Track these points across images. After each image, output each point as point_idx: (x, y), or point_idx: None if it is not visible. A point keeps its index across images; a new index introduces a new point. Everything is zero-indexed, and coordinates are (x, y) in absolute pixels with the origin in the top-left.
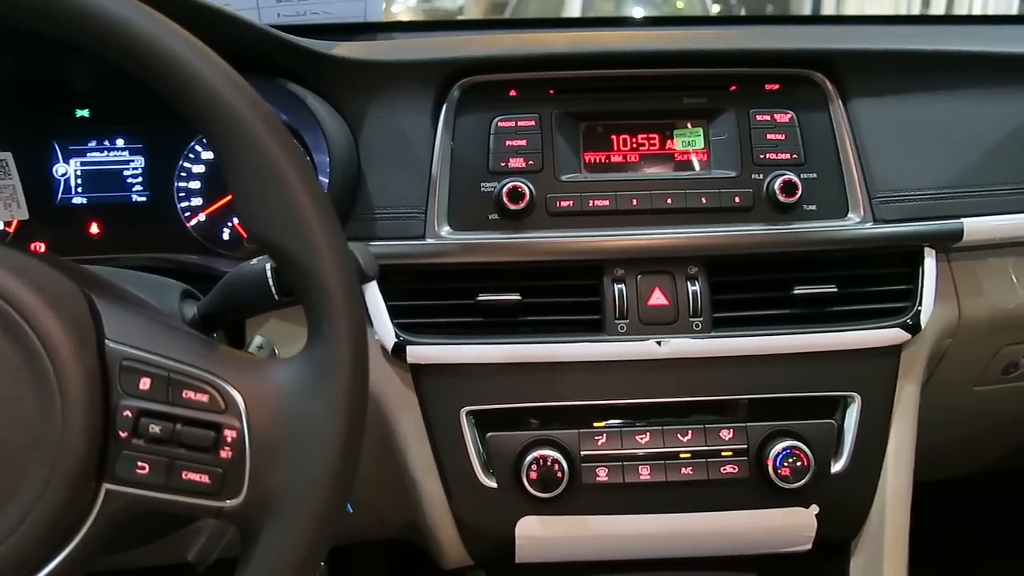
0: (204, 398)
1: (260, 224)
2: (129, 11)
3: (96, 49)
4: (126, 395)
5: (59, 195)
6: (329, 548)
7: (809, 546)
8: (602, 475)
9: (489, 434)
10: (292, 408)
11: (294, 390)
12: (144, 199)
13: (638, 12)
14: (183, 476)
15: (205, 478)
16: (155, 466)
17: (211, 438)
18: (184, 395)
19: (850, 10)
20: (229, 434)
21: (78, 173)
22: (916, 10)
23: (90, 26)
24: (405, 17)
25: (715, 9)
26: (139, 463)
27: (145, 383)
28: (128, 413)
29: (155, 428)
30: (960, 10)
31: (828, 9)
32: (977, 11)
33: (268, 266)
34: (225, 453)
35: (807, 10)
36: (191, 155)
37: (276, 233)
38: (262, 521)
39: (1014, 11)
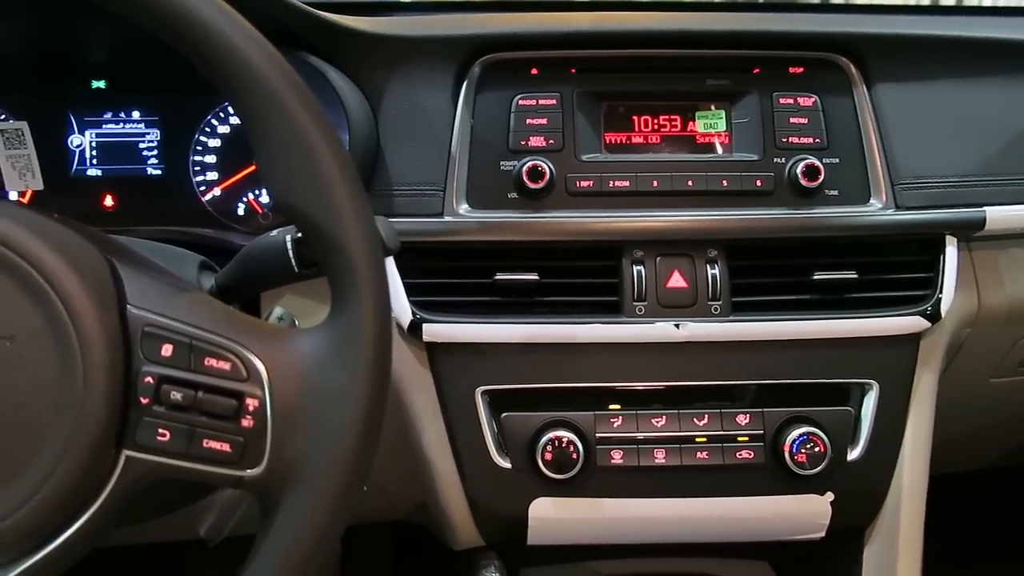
0: (226, 366)
1: (286, 192)
2: None
3: (126, 13)
4: (148, 361)
5: (74, 166)
6: (348, 522)
7: (823, 533)
8: (617, 458)
9: (504, 414)
10: (315, 378)
11: (317, 360)
12: (159, 172)
13: None
14: (204, 444)
15: (226, 447)
16: (176, 433)
17: (233, 406)
18: (206, 363)
19: None
20: (251, 403)
21: (93, 145)
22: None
23: None
24: None
25: None
26: (160, 430)
27: (167, 349)
28: (150, 379)
29: (177, 395)
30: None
31: None
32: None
33: (288, 237)
34: (247, 422)
35: None
36: (207, 129)
37: (302, 201)
38: (282, 492)
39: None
